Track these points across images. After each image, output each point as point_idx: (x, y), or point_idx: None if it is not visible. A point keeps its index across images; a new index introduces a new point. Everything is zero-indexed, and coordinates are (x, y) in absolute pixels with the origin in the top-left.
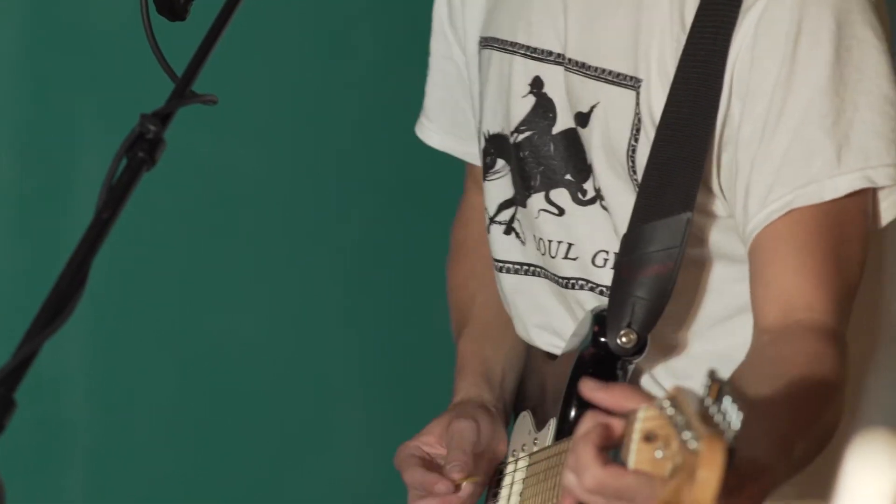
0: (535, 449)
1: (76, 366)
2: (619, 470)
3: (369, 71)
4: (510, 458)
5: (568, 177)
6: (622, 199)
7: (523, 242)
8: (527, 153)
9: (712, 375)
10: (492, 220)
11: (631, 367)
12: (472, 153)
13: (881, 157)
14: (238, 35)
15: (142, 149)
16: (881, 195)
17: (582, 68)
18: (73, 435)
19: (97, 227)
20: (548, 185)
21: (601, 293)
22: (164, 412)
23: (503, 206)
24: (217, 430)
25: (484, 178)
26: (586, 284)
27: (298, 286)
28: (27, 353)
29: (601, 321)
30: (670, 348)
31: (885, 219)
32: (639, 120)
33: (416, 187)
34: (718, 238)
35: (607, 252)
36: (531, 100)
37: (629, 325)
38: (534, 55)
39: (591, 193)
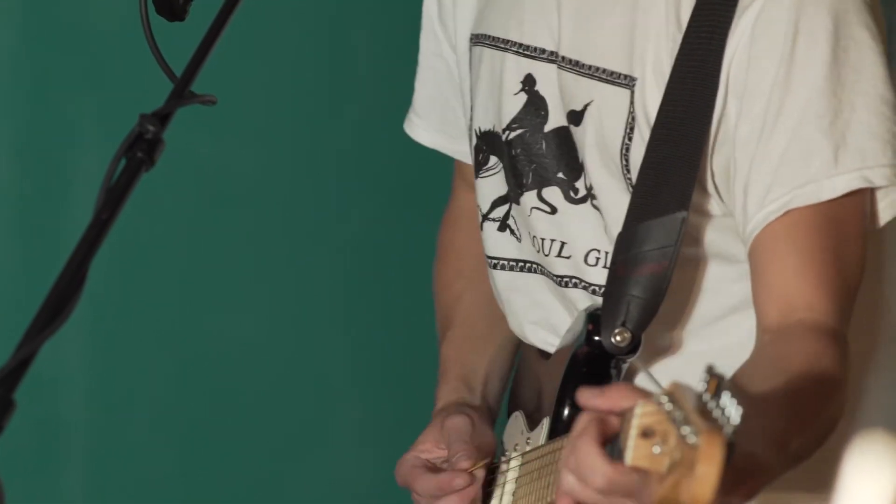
0: (528, 448)
1: (75, 366)
2: (624, 467)
3: (368, 71)
4: (502, 458)
5: (560, 175)
6: (614, 197)
7: (519, 239)
8: (519, 151)
9: (710, 371)
10: (485, 217)
11: (625, 366)
12: (461, 151)
13: (878, 158)
14: (237, 35)
15: (141, 149)
16: (879, 195)
17: (576, 66)
18: (73, 435)
19: (96, 228)
20: (540, 183)
21: (594, 292)
22: (162, 412)
23: (497, 203)
24: (216, 430)
25: (477, 175)
26: (580, 283)
27: (297, 286)
28: (26, 354)
29: (595, 320)
30: (664, 347)
31: (883, 219)
32: (633, 119)
33: (415, 187)
34: (713, 237)
35: (599, 251)
36: (523, 97)
37: (623, 324)
38: (526, 53)
39: (582, 192)
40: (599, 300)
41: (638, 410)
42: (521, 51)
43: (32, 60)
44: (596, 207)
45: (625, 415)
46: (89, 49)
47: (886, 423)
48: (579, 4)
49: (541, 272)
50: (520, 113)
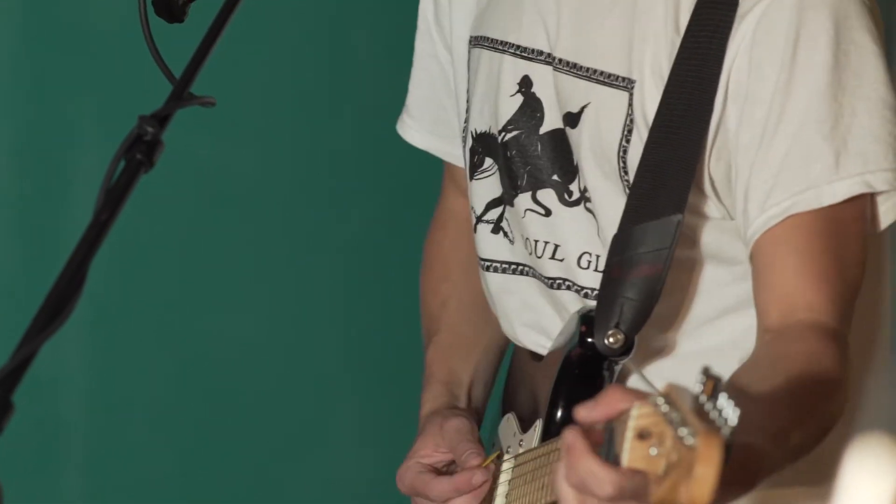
0: (521, 450)
1: (75, 367)
2: (626, 469)
3: (367, 72)
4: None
5: (555, 177)
6: (609, 200)
7: (512, 242)
8: (514, 152)
9: (707, 372)
10: (479, 219)
11: (617, 368)
12: (452, 153)
13: (879, 162)
14: (236, 37)
15: (140, 151)
16: (879, 199)
17: (573, 69)
18: (72, 436)
19: (95, 229)
20: (534, 185)
21: (585, 295)
22: (162, 413)
23: (491, 205)
24: (215, 430)
25: (471, 177)
26: (571, 286)
27: (296, 287)
28: (25, 355)
29: (588, 321)
30: (656, 348)
31: (883, 222)
32: (631, 121)
33: (415, 188)
34: (709, 240)
35: (591, 254)
36: (519, 99)
37: (617, 326)
38: (523, 54)
39: (576, 195)
40: (590, 303)
41: (634, 412)
42: (518, 52)
43: (32, 61)
44: (589, 210)
45: (619, 416)
46: (89, 50)
47: (886, 425)
48: (578, 7)
49: (532, 275)
50: (516, 114)
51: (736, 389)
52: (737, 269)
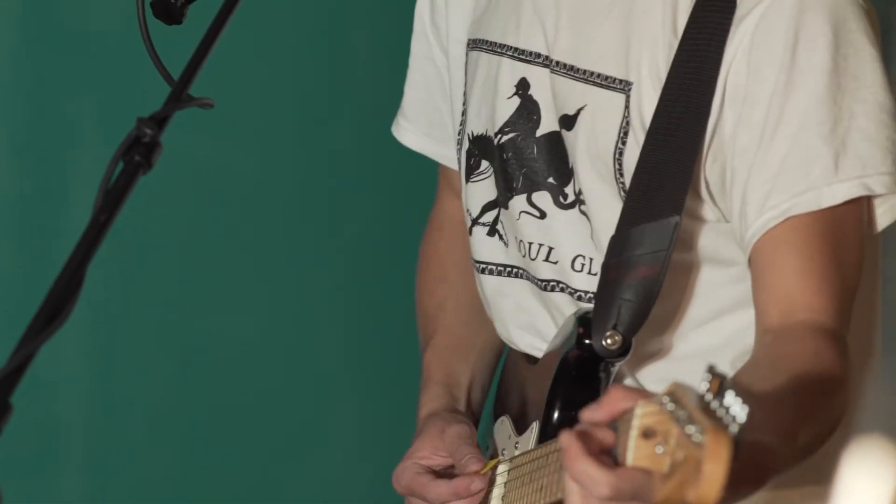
0: (517, 453)
1: (74, 368)
2: (625, 470)
3: (366, 73)
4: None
5: (550, 180)
6: (603, 203)
7: (506, 244)
8: (510, 155)
9: (712, 370)
10: (475, 222)
11: (614, 369)
12: (447, 156)
13: (877, 166)
14: (234, 38)
15: (138, 152)
16: (876, 202)
17: (570, 71)
18: (72, 437)
19: (94, 230)
20: (530, 188)
21: (579, 298)
22: (161, 414)
23: (487, 208)
24: (215, 431)
25: (467, 180)
26: (567, 288)
27: (296, 288)
28: (23, 357)
29: (586, 323)
30: (651, 350)
31: (880, 224)
32: (627, 123)
33: (414, 189)
34: (705, 242)
35: (584, 257)
36: (516, 101)
37: (615, 327)
38: (521, 57)
39: (571, 197)
40: (583, 305)
41: (638, 411)
42: (516, 55)
43: (31, 62)
44: (583, 213)
45: (623, 416)
46: (87, 52)
47: (883, 427)
48: (576, 9)
49: (525, 277)
50: (512, 117)
51: (741, 388)
52: (732, 270)
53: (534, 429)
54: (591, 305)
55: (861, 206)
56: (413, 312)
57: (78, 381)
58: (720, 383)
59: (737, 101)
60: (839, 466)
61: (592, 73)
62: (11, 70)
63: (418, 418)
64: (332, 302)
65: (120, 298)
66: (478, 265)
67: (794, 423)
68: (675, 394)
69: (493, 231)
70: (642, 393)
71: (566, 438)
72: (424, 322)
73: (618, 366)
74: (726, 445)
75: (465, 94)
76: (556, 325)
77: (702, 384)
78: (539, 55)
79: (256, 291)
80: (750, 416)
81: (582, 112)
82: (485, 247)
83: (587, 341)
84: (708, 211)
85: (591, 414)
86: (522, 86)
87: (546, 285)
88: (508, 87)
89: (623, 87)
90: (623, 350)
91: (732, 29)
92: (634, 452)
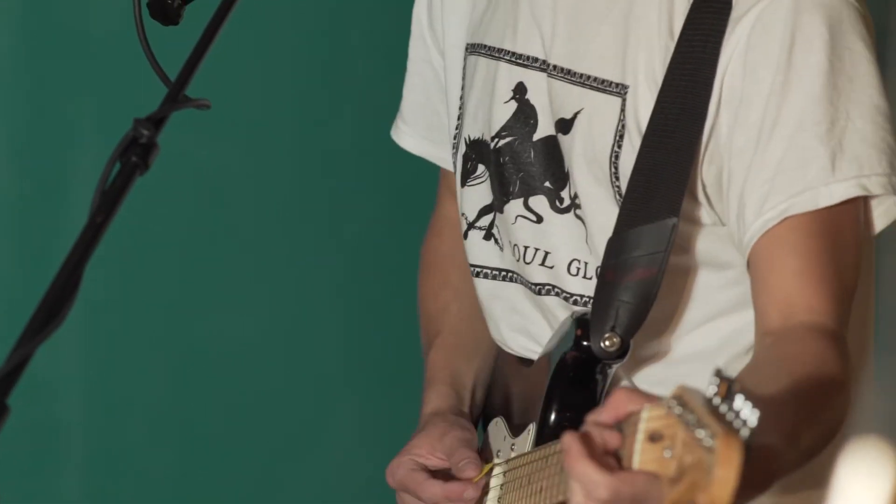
0: (513, 455)
1: (72, 369)
2: (626, 473)
3: (364, 74)
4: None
5: (547, 184)
6: (599, 206)
7: (501, 248)
8: (507, 159)
9: (720, 374)
10: (471, 226)
11: (611, 371)
12: (447, 159)
13: (873, 167)
14: (231, 39)
15: (135, 153)
16: (873, 203)
17: (567, 75)
18: (70, 438)
19: (91, 231)
20: (527, 192)
21: (574, 302)
22: (159, 414)
23: (483, 212)
24: (212, 432)
25: (464, 184)
26: (561, 293)
27: (295, 288)
28: (20, 358)
29: (584, 325)
30: (648, 352)
31: (877, 227)
32: (623, 126)
33: (413, 189)
34: (701, 246)
35: (580, 261)
36: (513, 105)
37: (613, 329)
38: (518, 61)
39: (567, 201)
40: (576, 309)
41: (644, 415)
42: (513, 59)
43: (30, 63)
44: (579, 217)
45: (629, 419)
46: (85, 53)
47: (878, 429)
48: (573, 13)
49: (519, 281)
50: (509, 121)
51: (750, 392)
52: (728, 273)
53: (531, 430)
54: (584, 308)
55: (858, 207)
56: (412, 312)
57: (76, 382)
58: (728, 387)
59: (733, 103)
60: (835, 468)
61: (589, 77)
62: (10, 71)
63: (421, 414)
64: (331, 302)
65: (118, 299)
66: (473, 269)
67: (798, 425)
68: (682, 397)
69: (489, 235)
70: (648, 396)
71: (568, 439)
72: (427, 323)
73: (615, 368)
74: (738, 450)
75: (461, 97)
76: (550, 329)
77: (709, 387)
78: (536, 59)
79: (255, 292)
80: (760, 420)
81: (578, 116)
82: (481, 251)
83: (585, 343)
84: (704, 214)
85: (596, 415)
86: (520, 90)
87: (540, 289)
88: (506, 91)
89: (619, 90)
90: (621, 352)
91: (728, 30)
92: (641, 456)
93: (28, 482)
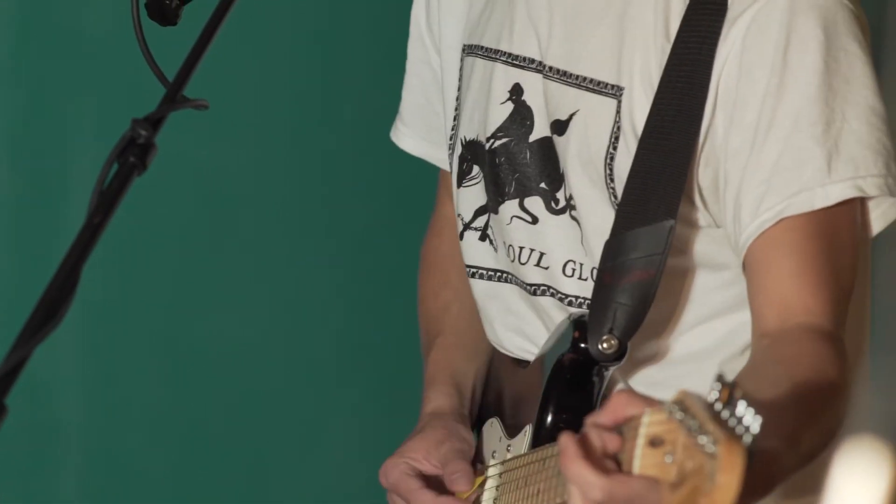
0: (509, 456)
1: (70, 369)
2: (623, 476)
3: (363, 74)
4: (479, 466)
5: (542, 185)
6: (594, 208)
7: (496, 249)
8: (503, 160)
9: (721, 379)
10: (467, 226)
11: (608, 374)
12: (446, 159)
13: (869, 168)
14: (229, 40)
15: (133, 154)
16: (871, 205)
17: (563, 76)
18: (68, 438)
19: (88, 232)
20: (522, 193)
21: (570, 303)
22: (157, 415)
23: (479, 213)
24: (211, 432)
25: (460, 185)
26: (557, 294)
27: (294, 289)
28: (18, 359)
29: (581, 327)
30: (643, 354)
31: (875, 228)
32: (618, 128)
33: (412, 190)
34: (698, 248)
35: (575, 262)
36: (509, 106)
37: (610, 331)
38: (515, 62)
39: (562, 203)
40: (571, 310)
41: (645, 419)
42: (510, 60)
43: (26, 64)
44: (574, 218)
45: (629, 423)
46: (82, 53)
47: (875, 429)
48: (569, 15)
49: (514, 282)
50: (505, 122)
51: (752, 398)
52: (724, 274)
53: (527, 432)
54: (580, 309)
55: (854, 208)
56: (412, 312)
57: (74, 383)
58: (730, 392)
59: (728, 104)
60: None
61: (585, 79)
62: (8, 71)
63: (421, 413)
64: (331, 302)
65: (116, 299)
66: (468, 269)
67: (798, 428)
68: (684, 402)
69: (484, 236)
70: (648, 400)
71: (564, 440)
72: (428, 323)
73: (612, 370)
74: (741, 456)
75: (458, 98)
76: (546, 329)
77: (711, 393)
78: (532, 60)
79: (254, 292)
80: (763, 426)
81: (574, 117)
82: (476, 251)
83: (583, 345)
84: (700, 216)
85: (596, 417)
86: (516, 91)
87: (535, 290)
88: (502, 92)
89: (614, 92)
90: (619, 354)
91: (724, 31)
92: (641, 461)
93: (26, 482)
